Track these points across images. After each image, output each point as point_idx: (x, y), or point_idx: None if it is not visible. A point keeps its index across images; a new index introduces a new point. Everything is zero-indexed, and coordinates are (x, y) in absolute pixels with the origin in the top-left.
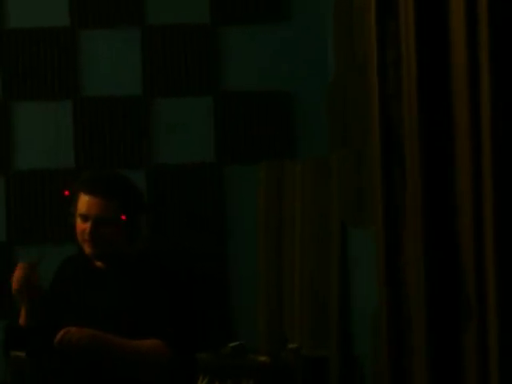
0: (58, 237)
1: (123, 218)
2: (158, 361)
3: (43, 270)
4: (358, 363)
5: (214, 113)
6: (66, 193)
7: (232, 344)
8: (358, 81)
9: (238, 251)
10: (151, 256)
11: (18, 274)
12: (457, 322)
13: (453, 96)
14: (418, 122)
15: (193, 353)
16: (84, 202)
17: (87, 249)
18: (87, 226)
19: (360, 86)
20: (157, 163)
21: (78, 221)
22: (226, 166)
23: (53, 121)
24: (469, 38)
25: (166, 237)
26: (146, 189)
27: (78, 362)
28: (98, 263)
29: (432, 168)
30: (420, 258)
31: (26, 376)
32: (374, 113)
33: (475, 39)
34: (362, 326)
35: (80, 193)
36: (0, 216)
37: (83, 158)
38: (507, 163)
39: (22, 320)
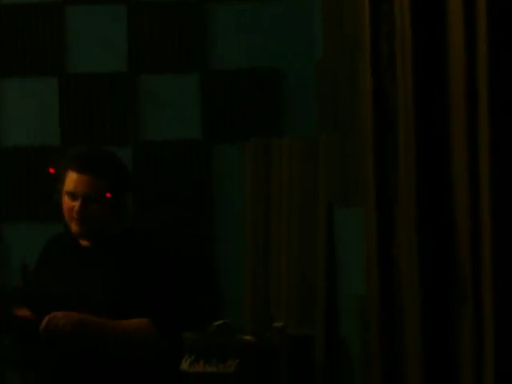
0: (44, 214)
1: (109, 195)
2: (145, 340)
3: (29, 249)
4: (343, 344)
5: (201, 90)
6: (51, 171)
7: (217, 323)
8: (347, 59)
9: (224, 230)
10: (137, 234)
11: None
12: (451, 308)
13: (449, 69)
14: (412, 96)
15: (179, 332)
16: (72, 179)
17: (74, 227)
18: (75, 204)
19: (349, 62)
20: (143, 140)
21: (66, 199)
22: (213, 143)
23: (38, 97)
24: (466, 9)
25: (152, 215)
26: (133, 166)
27: (64, 346)
28: (84, 242)
29: (426, 144)
30: (413, 241)
31: (14, 362)
32: (367, 86)
33: (473, 10)
34: (348, 307)
35: (68, 170)
36: None
37: (69, 135)
38: (505, 139)
39: None
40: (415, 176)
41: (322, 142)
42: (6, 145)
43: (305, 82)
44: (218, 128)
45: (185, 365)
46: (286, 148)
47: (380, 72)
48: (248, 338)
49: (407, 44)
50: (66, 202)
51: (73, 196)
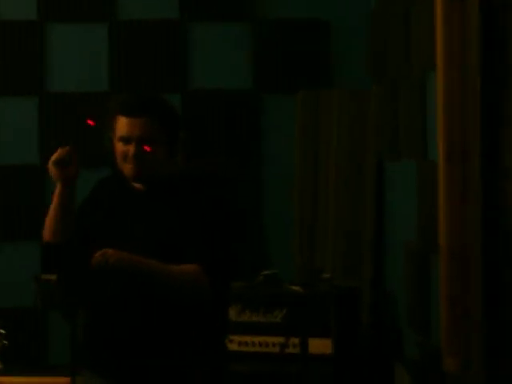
0: (90, 160)
1: (163, 137)
2: (196, 286)
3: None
4: (390, 295)
5: (252, 39)
6: (91, 122)
7: (265, 272)
8: (400, 11)
9: (273, 182)
10: (191, 179)
11: (56, 155)
12: None
13: None
14: None
15: (228, 280)
16: (124, 124)
17: (130, 171)
18: (130, 147)
19: (403, 14)
20: (193, 88)
21: (119, 144)
22: (263, 93)
23: (88, 44)
24: None
25: (200, 163)
26: (182, 113)
27: (114, 285)
28: (137, 185)
29: None
30: None
31: (56, 300)
32: None
33: None
34: (395, 260)
35: (118, 116)
36: (32, 139)
37: (118, 82)
38: None
39: (46, 234)
40: None
41: (373, 94)
42: (53, 90)
43: (357, 34)
44: (269, 78)
45: (232, 314)
46: (336, 99)
47: None
48: (296, 288)
49: None
50: (119, 147)
51: (126, 140)
